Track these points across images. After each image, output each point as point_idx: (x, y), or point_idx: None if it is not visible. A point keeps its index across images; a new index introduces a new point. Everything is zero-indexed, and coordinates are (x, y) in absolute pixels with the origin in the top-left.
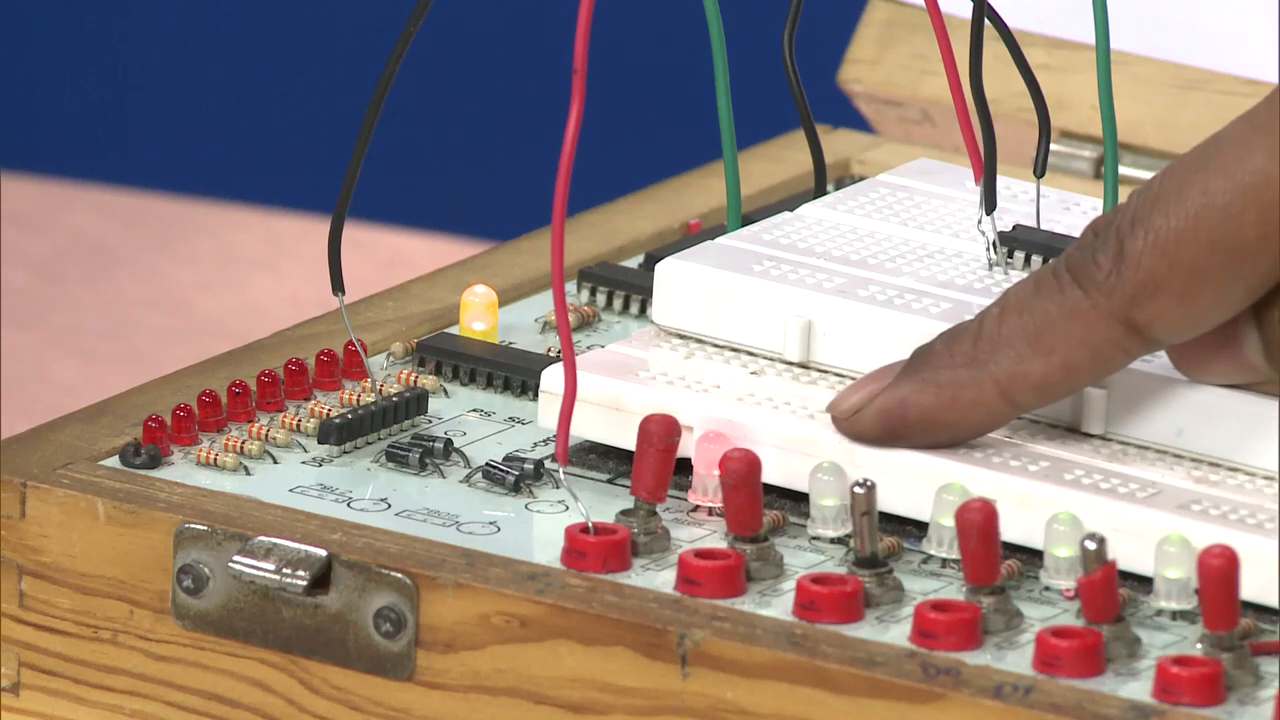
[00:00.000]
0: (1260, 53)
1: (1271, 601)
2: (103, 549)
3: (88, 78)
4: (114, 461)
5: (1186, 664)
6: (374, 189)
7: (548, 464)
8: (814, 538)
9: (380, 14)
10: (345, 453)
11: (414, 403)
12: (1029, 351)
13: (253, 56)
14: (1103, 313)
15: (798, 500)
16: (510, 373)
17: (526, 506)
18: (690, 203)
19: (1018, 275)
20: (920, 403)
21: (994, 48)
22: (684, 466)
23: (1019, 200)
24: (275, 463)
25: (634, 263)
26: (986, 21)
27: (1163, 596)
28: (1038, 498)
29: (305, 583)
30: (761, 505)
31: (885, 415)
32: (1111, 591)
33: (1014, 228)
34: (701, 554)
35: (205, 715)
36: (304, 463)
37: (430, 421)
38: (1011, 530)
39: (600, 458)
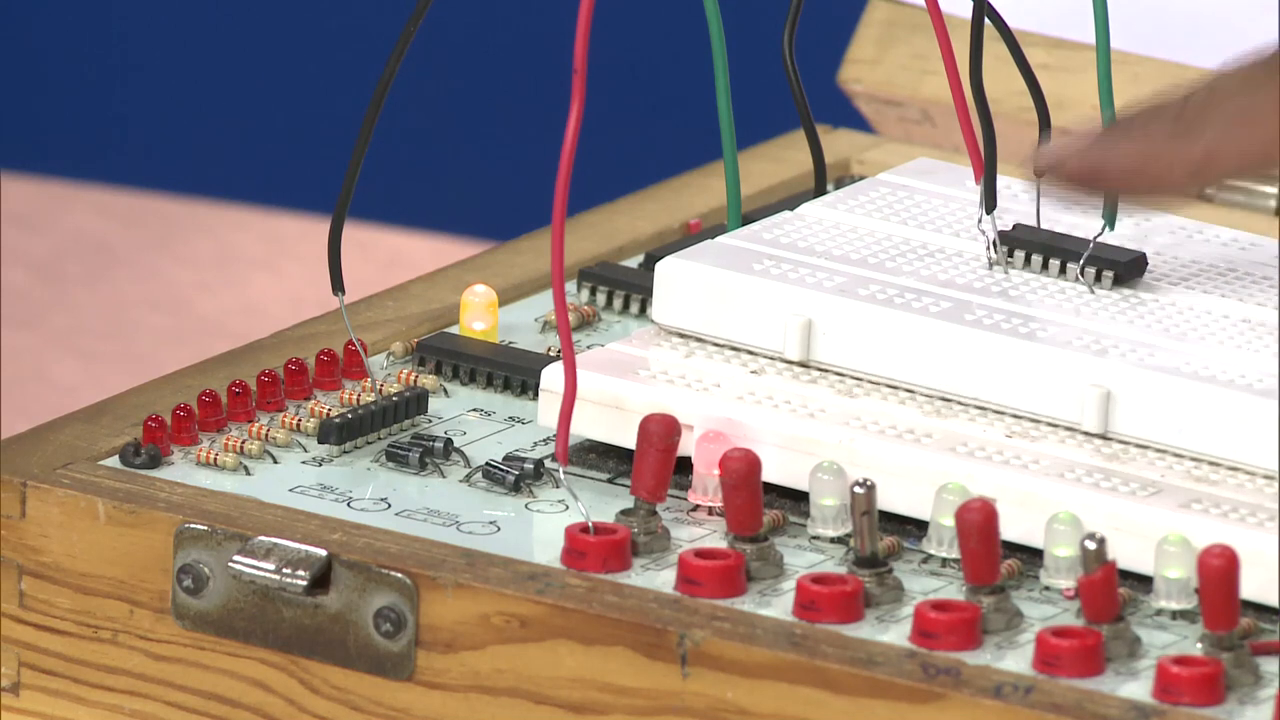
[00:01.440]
0: None
1: (1271, 601)
2: (103, 549)
3: (88, 78)
4: (114, 461)
5: (1186, 664)
6: (374, 189)
7: (548, 464)
8: (814, 538)
9: (380, 14)
10: (345, 453)
11: (414, 403)
12: (1237, 129)
13: (253, 56)
14: None
15: (798, 500)
16: (510, 372)
17: (526, 506)
18: (690, 203)
19: (1018, 274)
20: (1124, 154)
21: (994, 48)
22: (684, 466)
23: (1019, 200)
24: (275, 463)
25: (634, 263)
26: (986, 21)
27: (1163, 596)
28: (1038, 498)
29: (305, 583)
30: (761, 505)
31: (1088, 167)
32: (1111, 591)
33: (1014, 227)
34: (701, 554)
35: (205, 715)
36: (304, 463)
37: (430, 421)
38: (1011, 530)
39: (600, 457)
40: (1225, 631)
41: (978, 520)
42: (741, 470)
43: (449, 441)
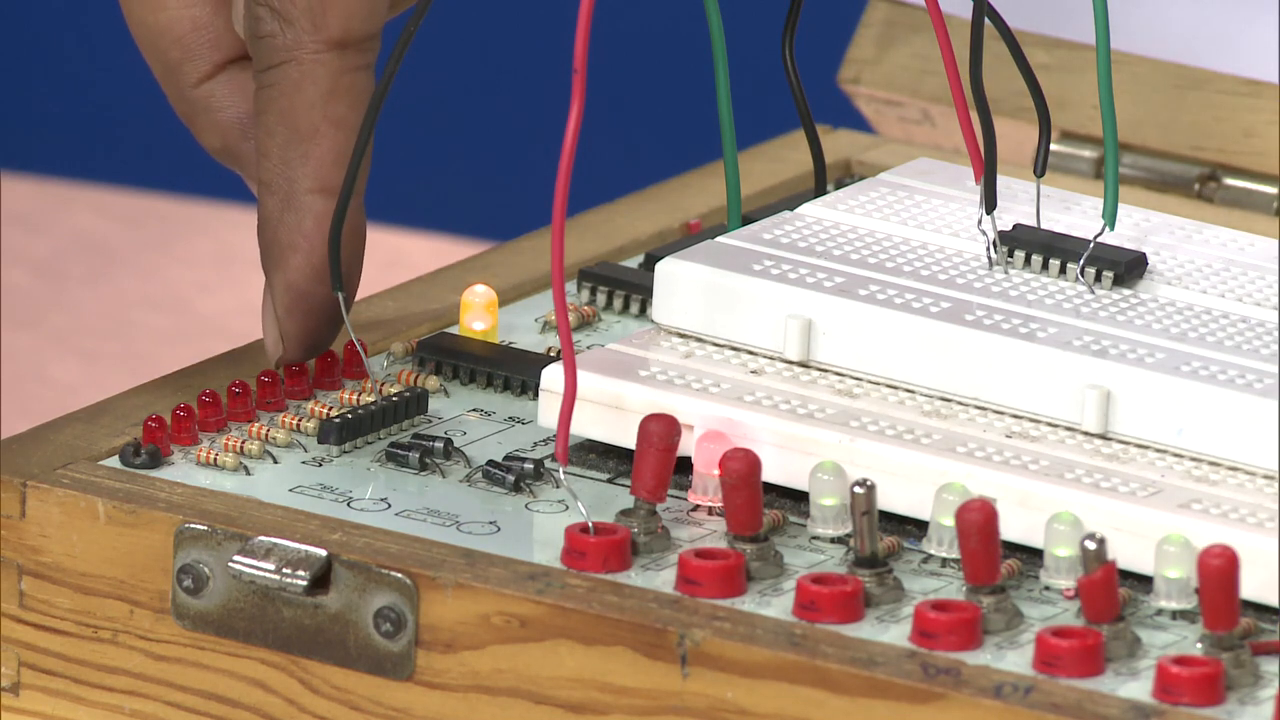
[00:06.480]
0: (1260, 53)
1: (1271, 601)
2: (103, 549)
3: (88, 78)
4: (114, 461)
5: (1186, 664)
6: (374, 189)
7: (548, 464)
8: (814, 537)
9: None
10: (345, 453)
11: (414, 403)
12: None
13: None
14: None
15: (798, 500)
16: (510, 373)
17: (526, 506)
18: (690, 203)
19: (1018, 274)
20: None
21: (994, 48)
22: (684, 466)
23: (1019, 200)
24: (275, 463)
25: (634, 263)
26: (987, 21)
27: (1163, 596)
28: (1038, 498)
29: (305, 583)
30: (761, 505)
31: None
32: (1111, 591)
33: (1014, 227)
34: (701, 554)
35: (205, 715)
36: (304, 463)
37: (430, 421)
38: (1011, 530)
39: (600, 457)
40: (1225, 631)
41: (978, 520)
42: (741, 470)
43: (449, 441)
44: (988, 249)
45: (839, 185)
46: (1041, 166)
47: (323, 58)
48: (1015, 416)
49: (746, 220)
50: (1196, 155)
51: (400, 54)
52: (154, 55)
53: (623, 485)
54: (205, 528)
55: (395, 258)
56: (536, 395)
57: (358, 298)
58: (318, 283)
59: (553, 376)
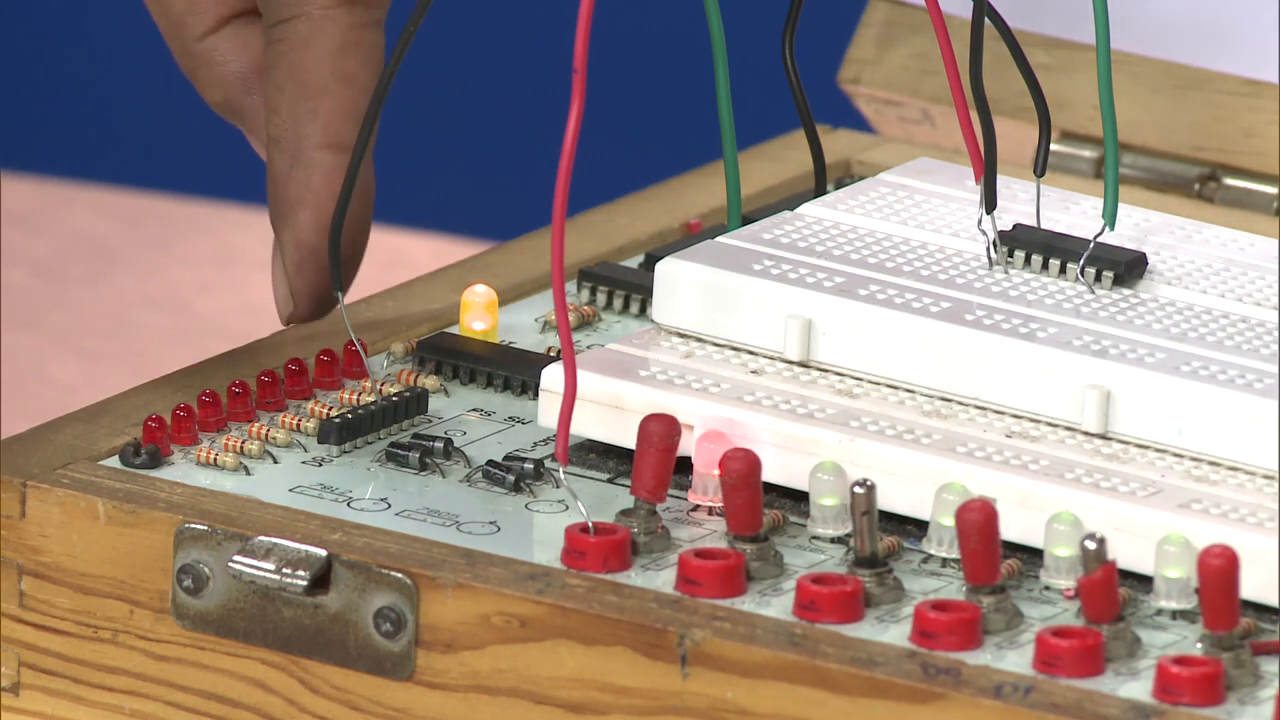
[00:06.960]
0: (1260, 53)
1: (1271, 601)
2: (103, 549)
3: (88, 78)
4: (114, 461)
5: (1186, 664)
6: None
7: (548, 464)
8: (814, 537)
9: None
10: (345, 453)
11: (414, 403)
12: None
13: None
14: None
15: (798, 500)
16: (510, 372)
17: (526, 506)
18: (690, 203)
19: (1018, 274)
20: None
21: (994, 48)
22: (684, 466)
23: (1019, 200)
24: (275, 463)
25: (634, 263)
26: (987, 21)
27: (1163, 596)
28: (1038, 498)
29: (305, 583)
30: (761, 505)
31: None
32: (1111, 591)
33: (1014, 227)
34: (701, 554)
35: (205, 715)
36: (304, 463)
37: (430, 421)
38: (1011, 530)
39: (600, 457)
40: (1225, 631)
41: (978, 520)
42: (741, 470)
43: (449, 441)
44: (988, 249)
45: (839, 185)
46: (1041, 166)
47: (333, 13)
48: (1015, 416)
49: (746, 220)
50: (1196, 155)
51: (400, 54)
52: (159, 8)
53: (623, 485)
54: (205, 528)
55: (395, 258)
56: (536, 395)
57: (358, 298)
58: (326, 238)
59: (553, 376)
